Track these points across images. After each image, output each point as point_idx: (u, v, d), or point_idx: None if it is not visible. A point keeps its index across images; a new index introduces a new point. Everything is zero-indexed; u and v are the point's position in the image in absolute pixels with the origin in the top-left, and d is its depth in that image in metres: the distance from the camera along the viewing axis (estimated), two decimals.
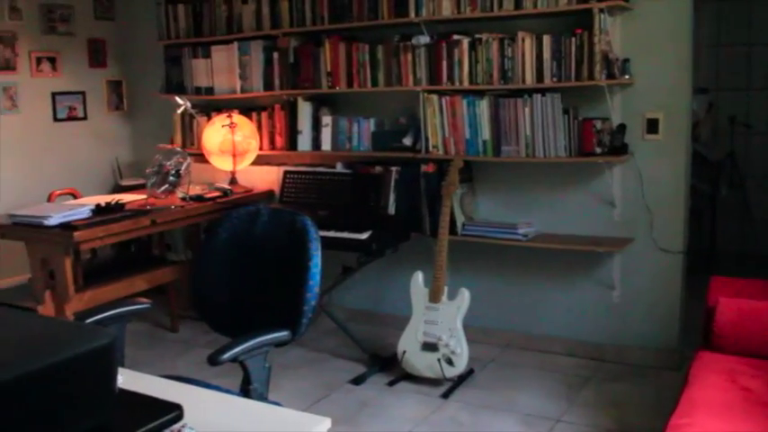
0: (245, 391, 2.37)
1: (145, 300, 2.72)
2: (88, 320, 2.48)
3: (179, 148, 5.16)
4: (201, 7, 5.43)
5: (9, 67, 5.44)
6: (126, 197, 4.73)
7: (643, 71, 4.20)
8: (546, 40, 4.18)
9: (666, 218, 4.28)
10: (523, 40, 4.24)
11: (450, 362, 4.12)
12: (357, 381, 4.32)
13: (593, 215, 4.45)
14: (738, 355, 3.18)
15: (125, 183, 5.85)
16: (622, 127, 4.22)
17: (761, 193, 6.68)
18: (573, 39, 4.10)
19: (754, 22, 6.65)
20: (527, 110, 4.26)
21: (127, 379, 1.39)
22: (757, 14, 6.63)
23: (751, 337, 3.21)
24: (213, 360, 2.30)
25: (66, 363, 1.24)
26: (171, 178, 4.78)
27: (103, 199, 4.54)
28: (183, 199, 4.73)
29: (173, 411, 1.47)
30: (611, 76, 4.08)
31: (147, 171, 4.87)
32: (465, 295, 4.14)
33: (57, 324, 1.76)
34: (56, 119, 5.79)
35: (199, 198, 4.78)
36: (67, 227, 4.03)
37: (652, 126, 4.24)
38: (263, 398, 2.41)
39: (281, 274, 2.72)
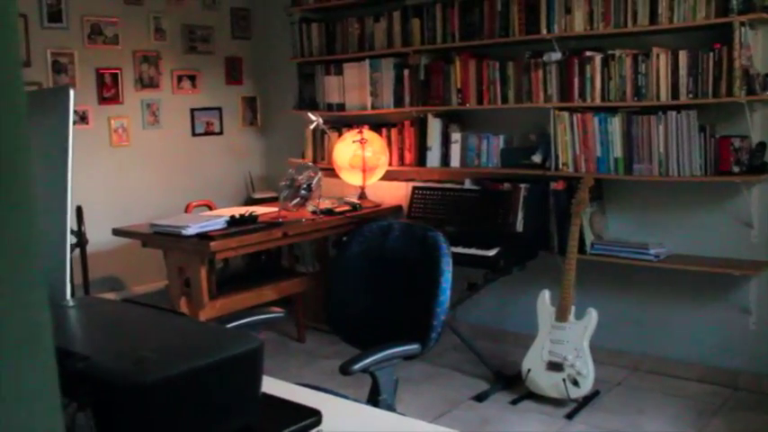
0: (374, 402, 2.40)
1: (278, 309, 2.79)
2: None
3: (310, 163, 5.29)
4: (334, 26, 5.58)
5: (153, 84, 5.72)
6: (259, 209, 4.87)
7: None
8: (682, 55, 4.08)
9: None
10: (658, 56, 4.15)
11: (575, 382, 4.06)
12: (480, 398, 4.31)
13: (728, 236, 4.29)
14: None
15: (257, 195, 6.03)
16: (762, 145, 4.07)
17: None
18: (711, 54, 3.99)
19: None
20: (661, 127, 4.16)
21: (263, 384, 1.44)
22: None
23: None
24: (345, 369, 2.34)
25: (221, 363, 1.31)
26: (302, 192, 4.90)
27: (237, 211, 4.70)
28: (314, 212, 4.83)
29: (312, 416, 1.51)
30: (751, 92, 3.94)
31: (280, 184, 5.03)
32: (593, 315, 4.07)
33: (208, 328, 1.85)
34: (194, 133, 6.04)
35: (329, 212, 4.88)
36: (204, 237, 4.19)
37: None
38: (391, 409, 2.44)
39: (412, 288, 2.76)
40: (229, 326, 2.54)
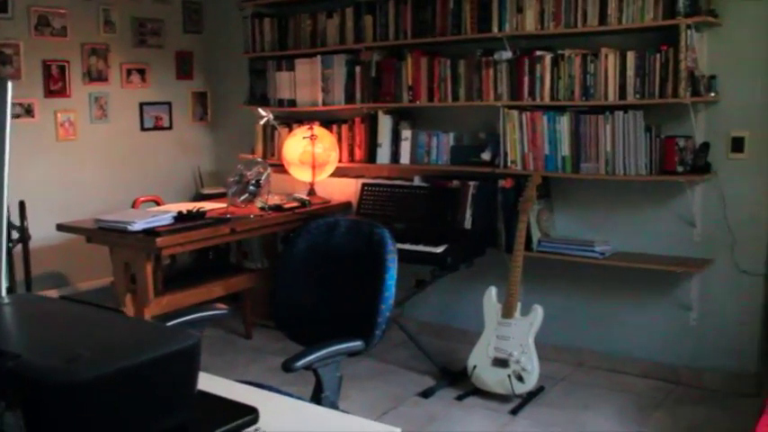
0: (317, 399, 2.40)
1: (223, 306, 2.77)
2: (168, 324, 2.54)
3: (260, 159, 5.27)
4: (287, 21, 5.54)
5: (101, 78, 5.63)
6: (207, 205, 4.85)
7: (729, 88, 4.12)
8: (630, 56, 4.14)
9: (748, 239, 4.18)
10: (606, 57, 4.21)
11: (520, 378, 4.10)
12: (426, 394, 4.33)
13: (672, 235, 4.37)
14: None
15: (206, 191, 5.98)
16: (706, 145, 4.15)
17: None
18: (658, 55, 4.05)
19: None
20: (608, 127, 4.22)
21: (202, 382, 1.43)
22: None
23: None
24: (288, 366, 2.34)
25: (156, 361, 1.29)
26: (251, 188, 4.88)
27: (185, 206, 4.65)
28: (262, 208, 4.81)
29: (248, 414, 1.50)
30: (696, 93, 4.01)
31: (228, 180, 5.00)
32: (538, 312, 4.12)
33: (145, 325, 1.83)
34: (143, 128, 5.96)
35: (277, 208, 4.86)
36: (150, 233, 4.14)
37: (737, 145, 4.16)
38: (334, 406, 2.44)
39: (357, 285, 2.76)
40: (172, 323, 2.52)
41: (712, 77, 4.10)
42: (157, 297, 4.37)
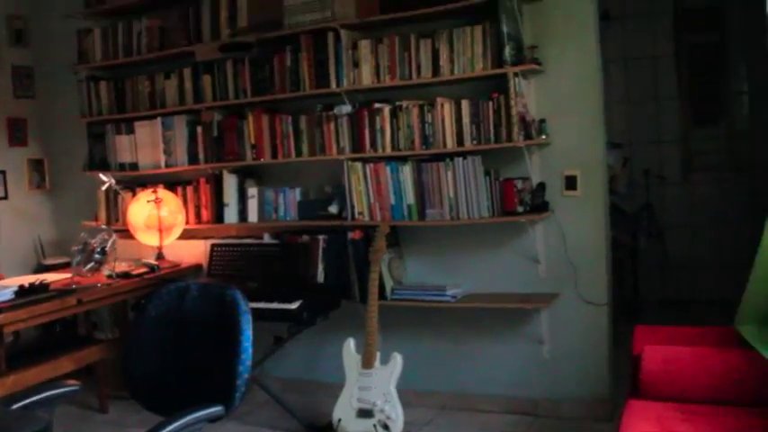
0: None
1: (73, 381, 2.67)
2: (14, 406, 2.42)
3: (104, 225, 5.11)
4: (123, 84, 5.43)
5: None
6: (50, 276, 4.65)
7: (559, 130, 4.35)
8: (464, 104, 4.30)
9: (590, 271, 4.39)
10: (442, 106, 4.35)
11: (385, 427, 4.11)
12: None
13: (519, 273, 4.53)
14: (666, 401, 3.24)
15: (49, 262, 5.73)
16: (542, 185, 4.35)
17: (678, 241, 6.91)
18: (490, 102, 4.22)
19: (660, 78, 6.97)
20: (449, 173, 4.35)
21: None
22: (662, 71, 6.96)
23: (677, 383, 3.29)
24: None
25: None
26: (96, 256, 4.73)
27: (27, 279, 4.45)
28: (110, 276, 4.66)
29: None
30: (528, 136, 4.21)
31: (72, 249, 4.82)
32: (397, 360, 4.15)
33: None
34: None
35: (125, 275, 4.72)
36: None
37: (570, 183, 4.38)
38: None
39: (213, 348, 2.73)
40: (18, 405, 2.40)
41: (542, 121, 4.32)
42: (1, 378, 4.14)
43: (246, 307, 2.73)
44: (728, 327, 3.56)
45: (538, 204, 4.32)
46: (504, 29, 4.14)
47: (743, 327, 3.48)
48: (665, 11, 6.92)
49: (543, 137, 4.30)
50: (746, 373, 3.20)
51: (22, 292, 4.19)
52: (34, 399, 2.42)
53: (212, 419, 2.51)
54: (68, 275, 4.66)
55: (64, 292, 4.33)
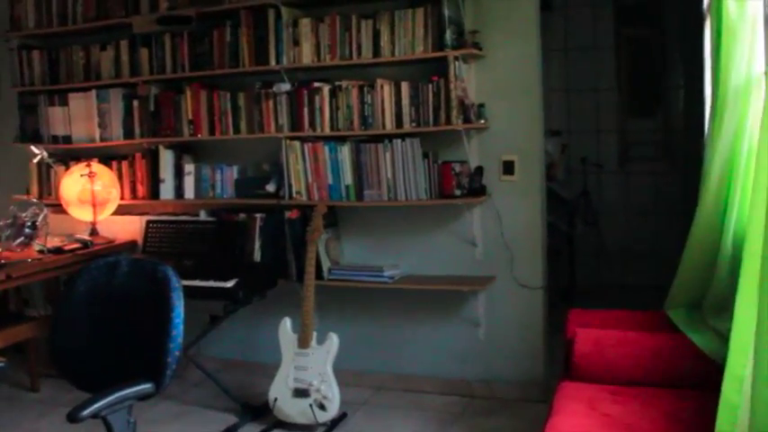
0: None
1: (1, 358, 2.61)
2: None
3: (35, 199, 5.00)
4: (58, 53, 5.28)
5: None
6: None
7: (498, 116, 4.38)
8: (404, 86, 4.30)
9: (526, 255, 4.44)
10: (382, 87, 4.34)
11: (322, 407, 4.11)
12: (229, 431, 4.25)
13: (456, 255, 4.56)
14: (598, 383, 3.30)
15: None
16: (480, 169, 4.38)
17: (613, 228, 7.04)
18: (430, 85, 4.23)
19: (600, 69, 7.06)
20: (388, 155, 4.35)
21: None
22: (602, 62, 7.05)
23: (608, 365, 3.36)
24: (73, 417, 2.27)
25: None
26: (27, 230, 4.63)
27: None
28: (41, 251, 4.56)
29: None
30: (467, 120, 4.23)
31: (1, 223, 4.69)
32: (334, 340, 4.15)
33: None
34: None
35: (57, 250, 4.63)
36: None
37: (508, 168, 4.42)
38: None
39: (144, 325, 2.70)
40: None
41: (481, 106, 4.34)
42: None
43: (178, 283, 2.69)
44: (659, 311, 3.65)
45: (475, 188, 4.34)
46: (446, 12, 4.16)
47: (672, 311, 3.57)
48: (605, 3, 7.01)
49: (482, 121, 4.33)
50: (675, 356, 3.29)
51: None
52: None
53: (142, 397, 2.49)
54: None
55: None
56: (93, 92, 5.13)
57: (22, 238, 4.62)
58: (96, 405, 2.31)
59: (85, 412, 2.27)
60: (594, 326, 3.57)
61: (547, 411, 3.14)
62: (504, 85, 4.37)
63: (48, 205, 4.85)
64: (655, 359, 3.32)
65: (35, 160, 5.15)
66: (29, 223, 4.64)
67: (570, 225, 6.70)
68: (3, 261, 4.33)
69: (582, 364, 3.40)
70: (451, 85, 4.14)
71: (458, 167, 4.29)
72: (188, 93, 4.84)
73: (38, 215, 4.68)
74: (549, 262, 4.59)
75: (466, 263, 4.54)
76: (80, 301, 2.84)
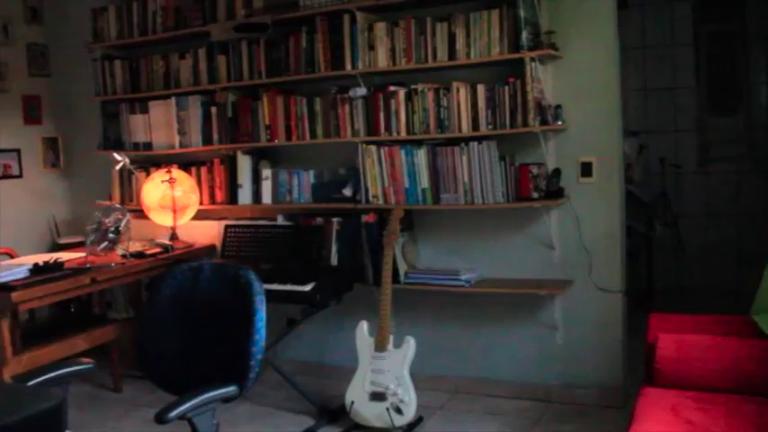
0: None
1: (87, 360, 2.67)
2: (29, 383, 2.44)
3: (118, 205, 5.10)
4: (138, 63, 5.42)
5: None
6: (64, 255, 4.65)
7: (575, 117, 4.32)
8: (480, 89, 4.27)
9: (604, 258, 4.37)
10: (458, 90, 4.32)
11: (398, 410, 4.11)
12: None
13: (533, 258, 4.51)
14: (681, 388, 3.24)
15: (63, 241, 5.75)
16: (557, 171, 4.32)
17: (693, 230, 6.88)
18: (506, 87, 4.19)
19: (678, 67, 6.91)
20: (464, 158, 4.32)
21: None
22: (680, 60, 6.90)
23: (691, 371, 3.28)
24: (161, 418, 2.30)
25: (16, 426, 1.22)
26: (110, 235, 4.73)
27: (41, 258, 4.45)
28: (124, 256, 4.67)
29: None
30: (544, 122, 4.18)
31: (86, 228, 4.81)
32: (411, 343, 4.15)
33: (5, 388, 1.74)
34: None
35: (139, 255, 4.73)
36: (4, 288, 3.92)
37: (586, 169, 4.35)
38: None
39: (227, 328, 2.73)
40: (33, 382, 2.41)
41: (558, 107, 4.28)
42: (17, 355, 4.15)
43: (260, 287, 2.72)
44: (744, 316, 3.55)
45: (553, 190, 4.29)
46: (522, 14, 4.11)
47: (759, 316, 3.46)
48: None
49: (559, 123, 4.27)
50: (761, 363, 3.18)
51: (36, 270, 4.19)
52: (49, 376, 2.44)
53: (226, 399, 2.52)
54: (82, 254, 4.66)
55: (78, 270, 4.33)
56: (173, 99, 5.24)
57: (105, 243, 4.73)
58: (183, 407, 2.34)
59: (173, 414, 2.31)
60: (676, 330, 3.49)
61: (626, 417, 3.09)
62: (582, 85, 4.31)
63: (130, 211, 4.95)
64: (741, 365, 3.23)
65: (117, 167, 5.27)
66: (112, 228, 4.75)
67: (649, 227, 6.57)
68: (88, 265, 4.44)
69: (664, 370, 3.33)
70: (528, 87, 4.10)
71: (535, 170, 4.24)
72: (265, 99, 4.90)
73: (120, 220, 4.78)
74: (627, 265, 4.51)
75: (543, 266, 4.49)
76: (165, 305, 2.89)
